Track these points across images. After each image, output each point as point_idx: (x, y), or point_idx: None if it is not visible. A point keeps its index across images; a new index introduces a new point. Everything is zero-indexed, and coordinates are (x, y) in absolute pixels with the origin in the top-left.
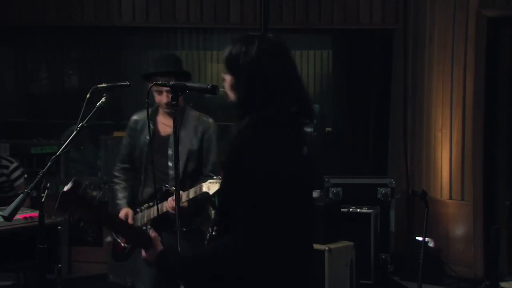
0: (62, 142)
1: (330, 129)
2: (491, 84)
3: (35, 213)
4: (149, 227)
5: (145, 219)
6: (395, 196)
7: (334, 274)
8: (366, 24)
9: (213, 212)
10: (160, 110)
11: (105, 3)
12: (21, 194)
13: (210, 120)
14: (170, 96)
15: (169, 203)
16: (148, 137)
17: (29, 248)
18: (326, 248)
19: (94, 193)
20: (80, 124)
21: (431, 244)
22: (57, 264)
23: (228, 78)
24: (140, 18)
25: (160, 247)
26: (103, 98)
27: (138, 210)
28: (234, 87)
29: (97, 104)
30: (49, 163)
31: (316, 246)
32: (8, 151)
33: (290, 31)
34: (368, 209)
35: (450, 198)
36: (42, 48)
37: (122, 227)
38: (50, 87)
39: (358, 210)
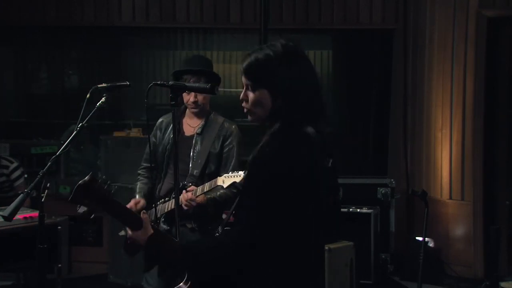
0: (62, 142)
1: (330, 129)
2: (491, 84)
3: (35, 213)
4: (163, 220)
5: (159, 213)
6: (395, 196)
7: (334, 274)
8: (366, 24)
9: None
10: (187, 112)
11: (105, 3)
12: (21, 194)
13: (234, 125)
14: (197, 96)
15: (184, 195)
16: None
17: (29, 248)
18: (326, 248)
19: (108, 188)
20: (80, 124)
21: (431, 244)
22: (57, 264)
23: (256, 96)
24: (140, 18)
25: (150, 230)
26: (103, 98)
27: (153, 205)
28: (264, 99)
29: (97, 104)
30: (49, 163)
31: None
32: (8, 151)
33: (290, 31)
34: (368, 209)
35: (450, 198)
36: (42, 48)
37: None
38: (50, 87)
39: (358, 210)
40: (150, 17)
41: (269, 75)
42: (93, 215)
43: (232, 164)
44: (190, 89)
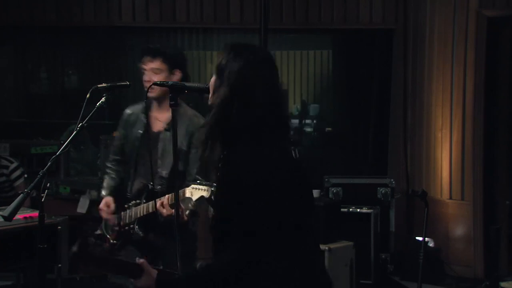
0: (62, 142)
1: (330, 129)
2: (491, 84)
3: (35, 213)
4: (136, 226)
5: (132, 217)
6: (395, 196)
7: (334, 274)
8: (366, 24)
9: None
10: (155, 105)
11: (105, 3)
12: (21, 194)
13: (203, 121)
14: (152, 76)
15: (158, 207)
16: (140, 131)
17: (29, 248)
18: (326, 248)
19: (100, 248)
20: (80, 124)
21: (431, 244)
22: (57, 264)
23: (213, 79)
24: (140, 18)
25: (154, 272)
26: (103, 98)
27: (126, 206)
28: (215, 90)
29: (97, 104)
30: (49, 163)
31: None
32: (8, 151)
33: (290, 31)
34: (368, 209)
35: (450, 198)
36: (42, 48)
37: (130, 269)
38: (50, 87)
39: (358, 210)
40: (150, 17)
41: (227, 76)
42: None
43: (198, 165)
44: (189, 89)
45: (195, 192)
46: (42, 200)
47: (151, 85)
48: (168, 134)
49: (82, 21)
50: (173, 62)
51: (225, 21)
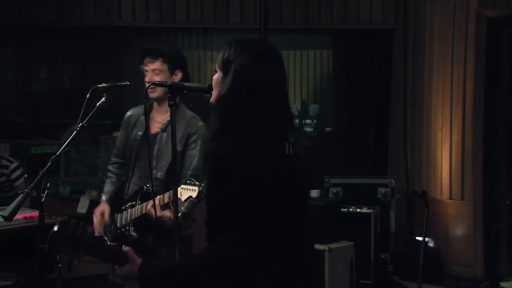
0: (62, 142)
1: (330, 129)
2: (491, 84)
3: (35, 213)
4: (132, 228)
5: (128, 219)
6: (395, 196)
7: (334, 274)
8: (366, 24)
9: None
10: (154, 106)
11: (105, 3)
12: (21, 194)
13: (200, 123)
14: (154, 76)
15: (148, 208)
16: (140, 133)
17: (29, 248)
18: (326, 248)
19: (84, 230)
20: (80, 124)
21: (431, 244)
22: (57, 264)
23: (216, 75)
24: (140, 18)
25: (138, 260)
26: (103, 98)
27: (123, 208)
28: (220, 85)
29: (97, 104)
30: (49, 163)
31: (316, 246)
32: (8, 151)
33: (290, 31)
34: (368, 209)
35: (450, 198)
36: (42, 48)
37: (111, 255)
38: (50, 87)
39: (358, 210)
40: (150, 17)
41: (233, 69)
42: (75, 261)
43: (194, 165)
44: (188, 89)
45: (184, 192)
46: (42, 200)
47: (150, 85)
48: (164, 135)
49: (82, 21)
50: (174, 62)
51: (225, 21)
